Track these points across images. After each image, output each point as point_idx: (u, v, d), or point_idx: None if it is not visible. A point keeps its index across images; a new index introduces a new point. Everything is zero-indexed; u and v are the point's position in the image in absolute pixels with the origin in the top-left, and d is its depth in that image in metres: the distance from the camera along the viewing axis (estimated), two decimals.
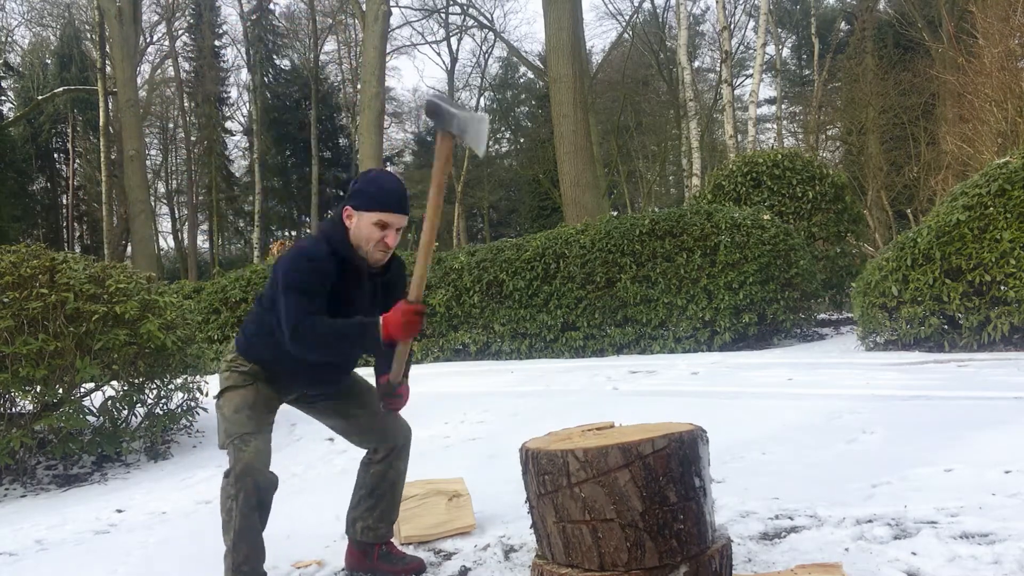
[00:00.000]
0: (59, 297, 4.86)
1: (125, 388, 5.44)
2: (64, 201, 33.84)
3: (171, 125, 36.26)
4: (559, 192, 15.06)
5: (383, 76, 16.43)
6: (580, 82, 13.12)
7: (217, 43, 35.79)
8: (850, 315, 9.80)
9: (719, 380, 5.98)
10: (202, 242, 37.02)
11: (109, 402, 5.33)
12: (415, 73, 74.79)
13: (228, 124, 37.36)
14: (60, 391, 5.08)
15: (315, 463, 4.77)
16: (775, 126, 29.65)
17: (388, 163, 37.10)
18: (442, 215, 2.24)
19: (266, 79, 34.87)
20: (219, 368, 2.59)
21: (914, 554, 2.27)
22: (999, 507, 2.59)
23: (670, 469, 1.92)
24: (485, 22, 31.87)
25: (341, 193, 35.59)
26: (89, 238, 33.87)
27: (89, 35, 30.25)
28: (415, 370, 8.51)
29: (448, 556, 2.83)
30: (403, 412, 2.67)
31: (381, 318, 2.25)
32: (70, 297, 4.89)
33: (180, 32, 34.33)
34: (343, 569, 2.77)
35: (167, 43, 33.16)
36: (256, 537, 2.38)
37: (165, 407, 5.67)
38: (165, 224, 36.81)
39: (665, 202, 33.36)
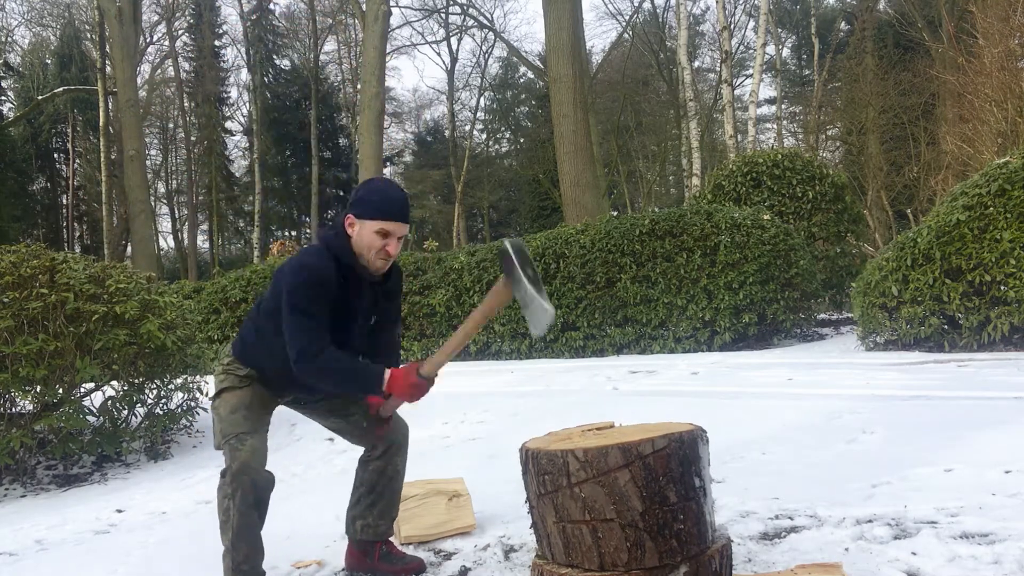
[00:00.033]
0: (59, 297, 4.86)
1: (125, 388, 5.44)
2: (64, 201, 33.85)
3: (171, 125, 36.30)
4: (559, 192, 15.06)
5: (383, 76, 16.44)
6: (580, 82, 13.12)
7: (217, 43, 35.81)
8: (850, 315, 9.80)
9: (719, 380, 5.98)
10: (202, 242, 37.10)
11: (109, 402, 5.33)
12: (415, 73, 74.96)
13: (228, 124, 37.42)
14: (60, 391, 5.08)
15: (315, 463, 4.77)
16: (775, 126, 29.67)
17: (388, 163, 37.17)
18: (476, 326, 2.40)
19: (266, 79, 34.88)
20: (215, 370, 2.61)
21: (914, 554, 2.27)
22: (999, 507, 2.59)
23: (670, 469, 1.91)
24: (485, 22, 31.92)
25: (341, 193, 35.64)
26: (89, 238, 33.88)
27: (89, 35, 30.27)
28: None
29: (448, 556, 2.83)
30: (402, 411, 2.68)
31: (389, 373, 2.31)
32: (70, 297, 4.89)
33: (180, 32, 34.37)
34: (343, 569, 2.77)
35: (167, 43, 33.22)
36: (255, 536, 2.39)
37: (165, 407, 5.68)
38: (165, 224, 36.90)
39: (665, 202, 33.37)
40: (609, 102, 30.79)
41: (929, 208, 13.17)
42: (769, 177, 10.84)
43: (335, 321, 2.37)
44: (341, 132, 36.19)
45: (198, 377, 5.97)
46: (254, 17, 34.39)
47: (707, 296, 8.22)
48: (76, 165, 32.79)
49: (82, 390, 5.40)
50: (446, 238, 32.16)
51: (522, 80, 36.96)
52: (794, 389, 5.24)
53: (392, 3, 21.77)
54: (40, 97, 26.57)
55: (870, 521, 2.60)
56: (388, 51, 20.12)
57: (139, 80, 24.10)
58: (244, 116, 37.45)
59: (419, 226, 34.76)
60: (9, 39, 31.91)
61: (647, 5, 30.67)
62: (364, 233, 2.38)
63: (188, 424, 5.92)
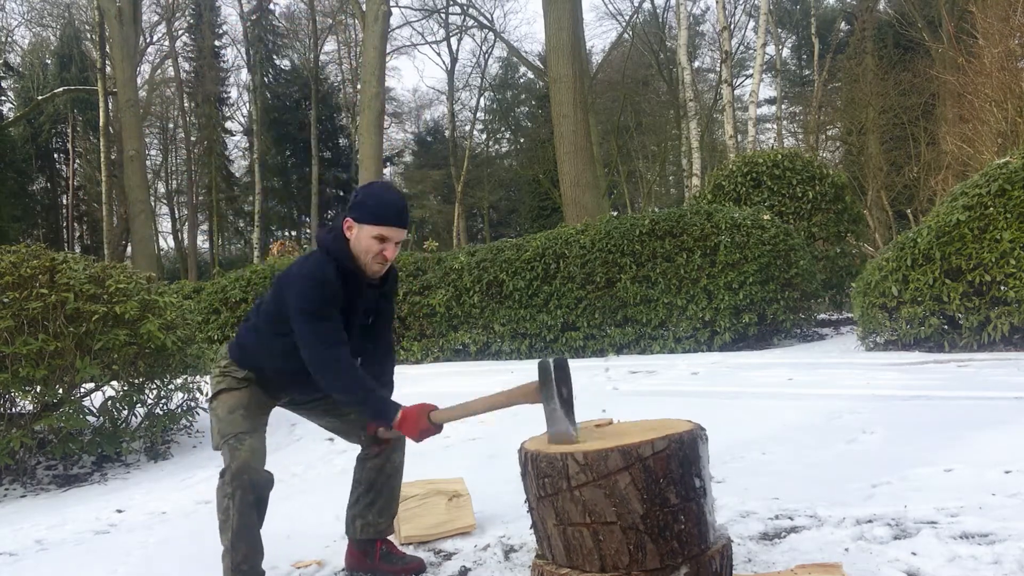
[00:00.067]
0: (59, 297, 4.86)
1: (125, 388, 5.44)
2: (64, 201, 33.85)
3: (171, 125, 36.29)
4: (559, 192, 15.06)
5: (383, 76, 16.43)
6: (580, 82, 13.11)
7: (217, 43, 35.81)
8: (850, 315, 9.80)
9: (719, 380, 5.98)
10: (202, 242, 37.09)
11: (109, 402, 5.33)
12: (415, 73, 74.98)
13: (228, 124, 37.41)
14: (60, 391, 5.08)
15: (315, 463, 4.77)
16: (775, 126, 29.69)
17: (388, 163, 37.17)
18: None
19: (266, 79, 34.87)
20: (211, 372, 2.62)
21: (914, 554, 2.27)
22: (999, 507, 2.59)
23: (670, 470, 1.91)
24: (485, 22, 31.91)
25: (341, 193, 35.65)
26: (89, 238, 33.88)
27: (89, 35, 30.26)
28: (415, 370, 8.52)
29: (448, 556, 2.83)
30: None
31: (401, 410, 2.32)
32: (70, 297, 4.89)
33: (180, 32, 34.36)
34: (343, 569, 2.77)
35: (167, 43, 33.21)
36: (254, 535, 2.39)
37: (165, 407, 5.68)
38: (165, 224, 36.88)
39: (665, 202, 33.38)
40: (609, 102, 30.79)
41: (929, 208, 13.17)
42: (769, 177, 10.84)
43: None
44: (341, 132, 36.19)
45: (198, 377, 5.97)
46: (254, 17, 34.39)
47: (707, 296, 8.22)
48: (76, 165, 32.79)
49: (82, 390, 5.40)
50: (446, 238, 32.16)
51: (522, 80, 36.97)
52: (794, 389, 5.24)
53: (392, 3, 21.78)
54: (40, 97, 26.57)
55: (870, 521, 2.60)
56: (388, 51, 20.11)
57: (139, 80, 24.09)
58: (244, 116, 37.49)
59: (419, 226, 34.75)
60: (9, 39, 31.94)
61: (647, 5, 30.72)
62: (362, 237, 2.40)
63: (188, 424, 5.92)
